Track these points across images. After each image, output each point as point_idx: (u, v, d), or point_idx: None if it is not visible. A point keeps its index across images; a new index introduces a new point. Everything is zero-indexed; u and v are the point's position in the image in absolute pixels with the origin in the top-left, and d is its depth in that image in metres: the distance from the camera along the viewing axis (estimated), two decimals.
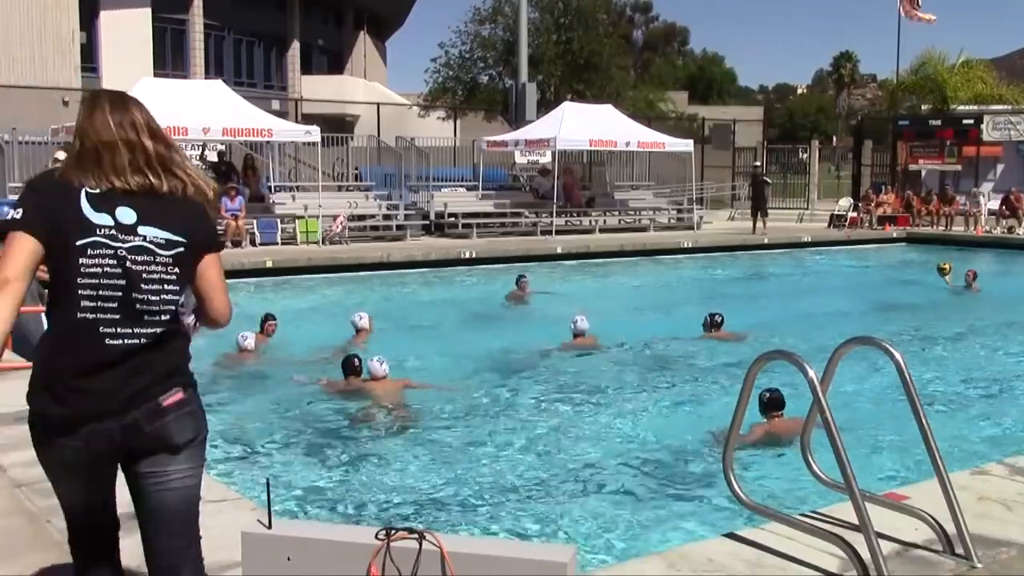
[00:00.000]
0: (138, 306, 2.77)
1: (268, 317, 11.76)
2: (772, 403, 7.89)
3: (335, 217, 21.73)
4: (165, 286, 2.81)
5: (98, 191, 2.76)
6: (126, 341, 2.77)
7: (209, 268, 2.94)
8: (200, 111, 20.44)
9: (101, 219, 2.75)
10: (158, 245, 2.79)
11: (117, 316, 2.76)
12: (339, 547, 3.24)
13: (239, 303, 15.29)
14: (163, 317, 2.83)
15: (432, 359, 11.32)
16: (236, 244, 20.25)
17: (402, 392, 9.38)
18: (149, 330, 2.80)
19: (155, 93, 20.97)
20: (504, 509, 6.59)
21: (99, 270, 2.73)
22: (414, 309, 15.40)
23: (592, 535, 6.08)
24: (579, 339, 11.69)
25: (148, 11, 36.29)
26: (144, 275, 2.77)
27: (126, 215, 2.77)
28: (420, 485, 7.03)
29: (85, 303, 2.74)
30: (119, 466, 2.95)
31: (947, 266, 17.98)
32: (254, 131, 21.31)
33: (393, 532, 3.18)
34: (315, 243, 21.15)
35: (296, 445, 7.99)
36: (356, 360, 9.52)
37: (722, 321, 12.46)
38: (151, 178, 2.80)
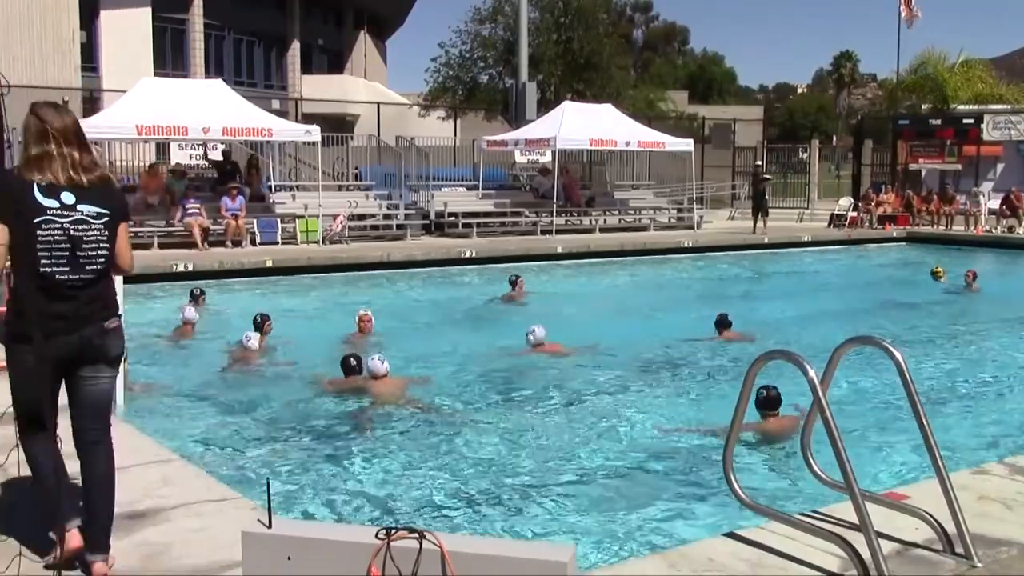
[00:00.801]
0: (81, 260, 4.00)
1: (264, 317, 11.75)
2: (768, 401, 7.88)
3: (335, 217, 21.74)
4: (100, 244, 4.05)
5: (44, 184, 3.95)
6: (75, 282, 3.99)
7: (122, 232, 4.19)
8: (200, 111, 20.44)
9: (49, 203, 3.95)
10: (92, 217, 4.03)
11: (67, 267, 3.97)
12: (339, 547, 3.24)
13: (239, 303, 15.27)
14: (98, 265, 4.06)
15: (432, 359, 11.32)
16: (236, 244, 20.25)
17: (403, 391, 9.38)
18: (89, 275, 4.03)
19: (155, 92, 21.04)
20: (504, 508, 6.59)
21: (50, 238, 3.94)
22: (414, 309, 15.40)
23: (592, 534, 6.08)
24: (539, 348, 11.25)
25: (148, 11, 36.32)
26: (84, 238, 4.00)
27: (68, 198, 3.98)
28: (420, 484, 7.03)
29: (44, 261, 3.93)
30: (64, 374, 4.10)
31: (940, 270, 18.09)
32: (254, 131, 21.30)
33: (393, 532, 3.17)
34: (315, 243, 21.15)
35: (296, 445, 7.99)
36: (353, 360, 9.53)
37: (731, 322, 12.44)
38: (74, 175, 4.00)
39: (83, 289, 4.01)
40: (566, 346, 11.56)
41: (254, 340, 10.97)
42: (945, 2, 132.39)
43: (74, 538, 4.11)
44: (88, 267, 4.01)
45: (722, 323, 12.38)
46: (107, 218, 4.07)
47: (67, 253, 3.94)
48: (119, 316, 4.21)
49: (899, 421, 7.89)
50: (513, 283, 16.03)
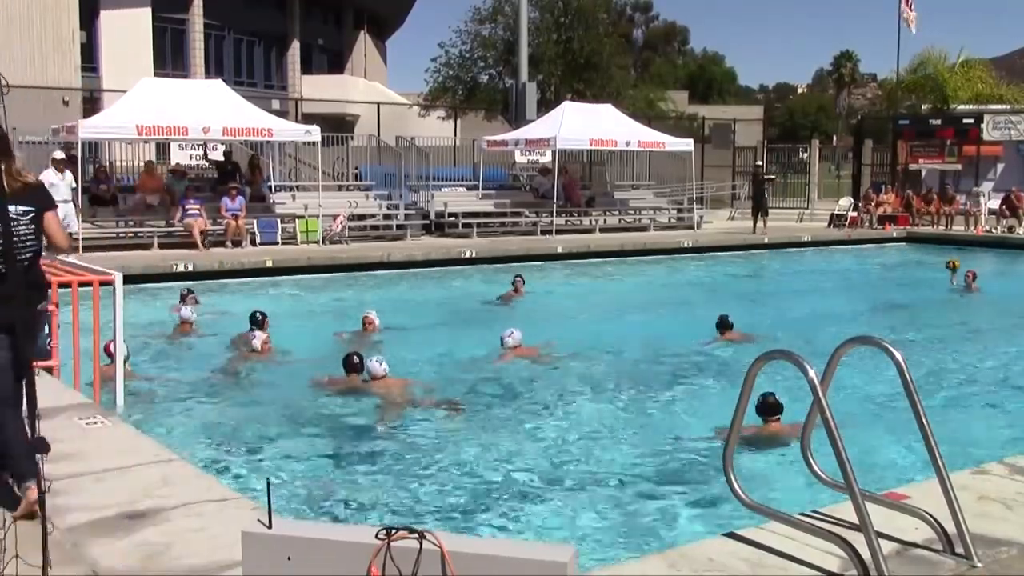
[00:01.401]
0: (15, 250, 4.66)
1: (263, 314, 11.74)
2: (769, 408, 7.88)
3: (335, 217, 21.74)
4: (27, 238, 4.81)
5: None
6: (10, 269, 4.63)
7: (49, 220, 4.99)
8: (200, 111, 20.43)
9: None
10: (20, 214, 4.77)
11: (2, 256, 4.63)
12: (339, 547, 3.24)
13: (239, 303, 15.24)
14: (28, 254, 4.84)
15: (432, 359, 11.32)
16: (236, 244, 20.24)
17: (402, 391, 9.38)
18: (21, 263, 4.74)
19: (155, 93, 21.03)
20: (505, 509, 6.59)
21: None
22: (415, 309, 15.39)
23: (593, 534, 6.08)
24: (515, 350, 11.02)
25: (148, 11, 36.28)
26: (16, 233, 4.68)
27: None
28: (421, 484, 7.03)
29: None
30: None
31: (956, 262, 18.10)
32: (254, 131, 21.30)
33: (393, 532, 3.17)
34: (315, 243, 21.15)
35: (297, 444, 7.99)
36: (356, 357, 9.54)
37: (732, 323, 12.39)
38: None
39: (16, 275, 4.70)
40: (543, 349, 11.41)
41: (258, 340, 10.95)
42: (945, 2, 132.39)
43: (32, 493, 4.60)
44: (19, 256, 4.74)
45: (723, 324, 12.35)
46: (33, 214, 4.85)
47: (1, 247, 4.63)
48: (45, 302, 5.17)
49: (899, 421, 7.88)
50: (515, 283, 16.10)
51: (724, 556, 4.23)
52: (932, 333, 13.59)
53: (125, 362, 8.57)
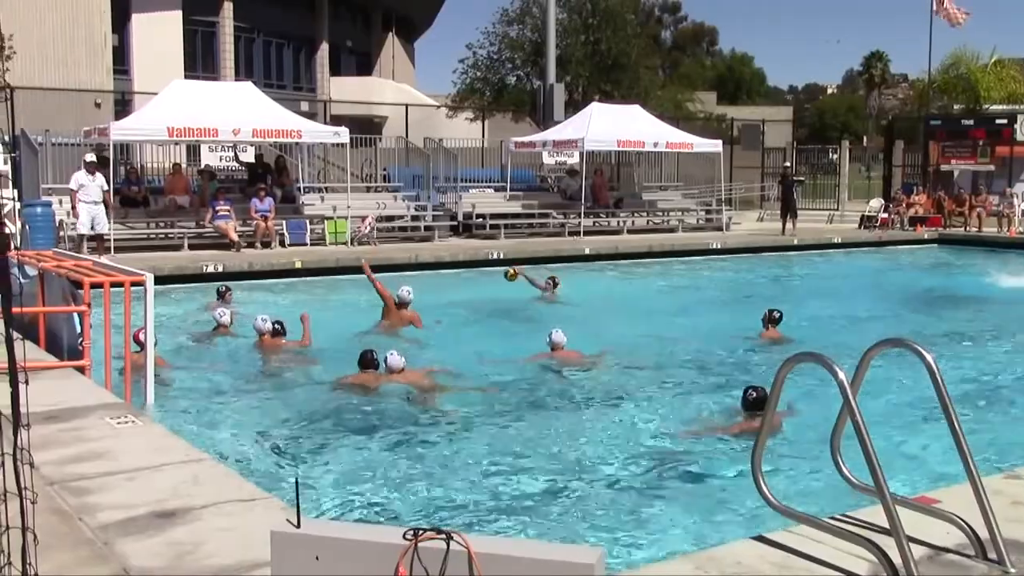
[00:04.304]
0: None
1: (277, 323, 11.83)
2: (757, 403, 7.85)
3: (363, 218, 21.83)
4: None
5: None
6: None
7: None
8: (230, 113, 20.59)
9: None
10: None
11: None
12: (367, 547, 3.25)
13: (269, 304, 15.22)
14: None
15: (462, 359, 11.31)
16: (265, 245, 20.37)
17: (425, 382, 9.42)
18: None
19: (186, 95, 21.22)
20: (532, 510, 6.58)
21: None
22: (443, 310, 15.39)
23: (620, 537, 6.06)
24: (556, 352, 10.93)
25: (179, 13, 36.64)
26: None
27: None
28: (449, 485, 7.04)
29: None
30: None
31: None
32: (283, 132, 21.45)
33: (421, 532, 3.18)
34: (344, 244, 21.25)
35: (325, 444, 8.02)
36: (371, 354, 9.60)
37: (780, 317, 12.31)
38: None
39: None
40: (586, 353, 11.31)
41: (268, 322, 11.10)
42: (976, 1, 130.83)
43: None
44: None
45: (770, 318, 12.23)
46: None
47: None
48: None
49: (930, 424, 7.82)
50: (553, 283, 16.14)
51: (752, 559, 4.21)
52: (964, 335, 13.45)
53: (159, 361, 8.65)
